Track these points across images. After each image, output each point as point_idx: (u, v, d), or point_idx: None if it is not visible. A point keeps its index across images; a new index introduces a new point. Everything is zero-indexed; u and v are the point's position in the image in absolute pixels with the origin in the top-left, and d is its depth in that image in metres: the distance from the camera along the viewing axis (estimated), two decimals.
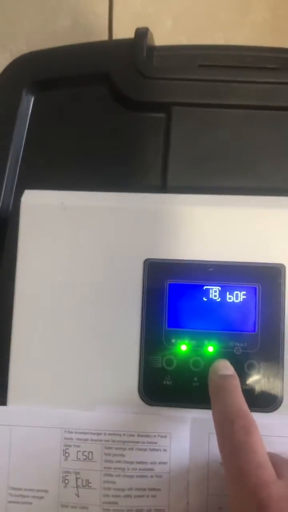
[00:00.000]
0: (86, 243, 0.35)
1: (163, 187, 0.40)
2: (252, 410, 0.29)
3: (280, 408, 0.33)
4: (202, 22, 0.86)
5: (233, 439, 0.27)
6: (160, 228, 0.35)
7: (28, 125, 0.43)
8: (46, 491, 0.33)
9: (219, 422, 0.29)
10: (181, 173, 0.40)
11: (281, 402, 0.33)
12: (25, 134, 0.42)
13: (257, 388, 0.33)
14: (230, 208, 0.35)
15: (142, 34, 0.43)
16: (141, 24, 0.88)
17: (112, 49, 0.44)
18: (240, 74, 0.42)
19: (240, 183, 0.40)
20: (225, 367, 0.31)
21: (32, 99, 0.43)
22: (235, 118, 0.41)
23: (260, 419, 0.32)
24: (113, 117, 0.42)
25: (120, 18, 0.87)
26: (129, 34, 0.90)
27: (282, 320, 0.33)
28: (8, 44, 0.87)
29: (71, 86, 0.43)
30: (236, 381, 0.30)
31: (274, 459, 0.28)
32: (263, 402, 0.33)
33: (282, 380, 0.33)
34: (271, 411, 0.33)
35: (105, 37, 0.89)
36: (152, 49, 0.46)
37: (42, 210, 0.36)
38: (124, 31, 0.84)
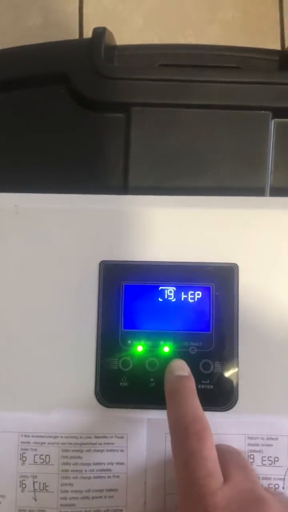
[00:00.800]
0: (41, 245, 0.35)
1: (124, 188, 0.40)
2: (207, 409, 0.29)
3: (235, 407, 0.33)
4: (173, 20, 0.86)
5: (185, 445, 0.27)
6: (116, 230, 0.35)
7: None
8: (3, 496, 0.33)
9: (173, 426, 0.29)
10: (142, 174, 0.40)
11: (236, 401, 0.33)
12: None
13: (212, 387, 0.34)
14: (184, 209, 0.35)
15: (99, 33, 0.42)
16: (112, 22, 0.88)
17: (70, 49, 0.43)
18: (201, 74, 0.42)
19: (200, 183, 0.40)
20: (181, 368, 0.32)
21: None
22: (195, 118, 0.41)
23: (215, 418, 0.32)
24: (73, 118, 0.42)
25: (90, 16, 0.87)
26: None
27: (235, 319, 0.34)
28: None
29: (31, 86, 0.43)
30: (192, 383, 0.30)
31: (223, 456, 0.28)
32: (219, 401, 0.33)
33: (237, 378, 0.34)
34: (227, 410, 0.33)
35: (75, 35, 0.89)
36: (113, 48, 0.46)
37: None
38: None
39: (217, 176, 0.40)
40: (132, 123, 0.41)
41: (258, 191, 0.40)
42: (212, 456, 0.27)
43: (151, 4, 0.84)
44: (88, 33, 0.85)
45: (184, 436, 0.27)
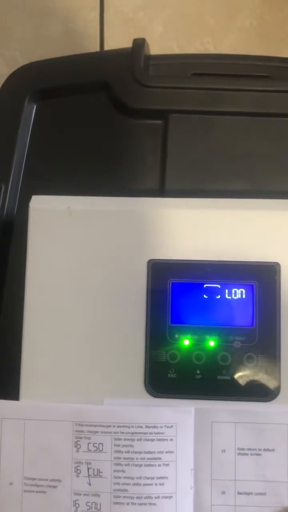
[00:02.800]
0: (92, 245, 0.37)
1: (161, 191, 0.42)
2: (251, 400, 0.31)
3: (278, 398, 0.35)
4: (191, 28, 0.88)
5: None
6: (162, 230, 0.37)
7: (31, 132, 0.44)
8: (59, 480, 0.35)
9: None
10: (178, 177, 0.42)
11: (279, 392, 0.35)
12: (28, 141, 0.44)
13: (256, 379, 0.35)
14: (227, 211, 0.37)
15: (139, 44, 0.45)
16: (132, 30, 0.90)
17: (111, 59, 0.46)
18: (232, 83, 0.44)
19: (235, 187, 0.42)
20: None
21: (35, 107, 0.44)
22: (229, 125, 0.43)
23: (259, 408, 0.34)
24: (112, 124, 0.44)
25: (111, 24, 0.89)
26: (120, 40, 0.92)
27: (278, 315, 0.36)
28: (0, 49, 0.88)
29: (72, 95, 0.45)
30: None
31: None
32: (262, 392, 0.35)
33: (279, 371, 0.35)
34: (269, 401, 0.35)
35: (96, 42, 0.91)
36: (148, 58, 0.48)
37: (50, 215, 0.37)
38: (115, 37, 0.86)
39: (251, 180, 0.42)
40: (169, 129, 0.43)
41: None
42: None
43: (170, 12, 0.86)
44: (108, 41, 0.87)
45: None
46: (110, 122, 0.44)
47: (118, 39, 0.87)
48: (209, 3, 0.87)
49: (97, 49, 0.87)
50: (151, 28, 0.86)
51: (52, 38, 0.92)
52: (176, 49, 0.91)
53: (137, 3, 0.87)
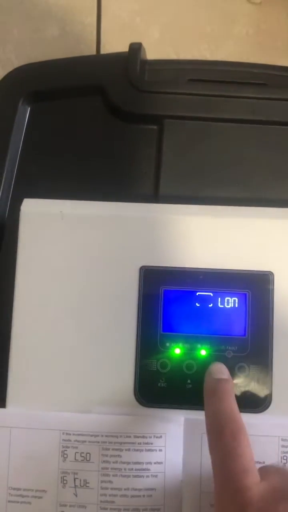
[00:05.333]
0: (83, 250, 0.36)
1: (155, 197, 0.42)
2: (242, 411, 0.31)
3: (269, 409, 0.35)
4: (188, 34, 0.88)
5: (222, 443, 0.28)
6: (155, 237, 0.36)
7: (24, 135, 0.44)
8: (44, 491, 0.34)
9: (210, 425, 0.30)
10: (172, 183, 0.42)
11: (270, 403, 0.35)
12: (21, 144, 0.43)
13: (247, 389, 0.35)
14: (222, 218, 0.37)
15: (135, 49, 0.44)
16: (129, 35, 0.90)
17: (106, 63, 0.45)
18: (228, 89, 0.43)
19: (229, 194, 0.41)
20: (221, 371, 0.33)
21: (28, 109, 0.44)
22: (225, 131, 0.43)
23: (250, 419, 0.34)
24: (107, 128, 0.44)
25: (108, 29, 0.89)
26: (117, 44, 0.92)
27: (270, 325, 0.35)
28: None
29: (67, 98, 0.44)
30: (230, 385, 0.32)
31: (266, 467, 0.29)
32: (253, 403, 0.35)
33: (271, 382, 0.35)
34: (261, 412, 0.35)
35: (93, 47, 0.91)
36: (144, 63, 0.47)
37: (41, 219, 0.37)
38: (112, 41, 0.86)
39: (245, 187, 0.42)
40: (165, 134, 0.43)
41: (285, 202, 0.41)
42: (247, 453, 0.28)
43: (167, 18, 0.86)
44: (105, 45, 0.87)
45: (221, 435, 0.29)
46: (105, 126, 0.44)
47: (114, 44, 0.86)
48: (206, 11, 0.87)
49: (94, 53, 0.87)
50: (148, 33, 0.86)
51: (48, 42, 0.91)
52: (173, 55, 0.91)
53: (134, 8, 0.87)
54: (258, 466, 0.33)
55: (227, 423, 0.29)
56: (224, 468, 0.28)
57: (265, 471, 0.29)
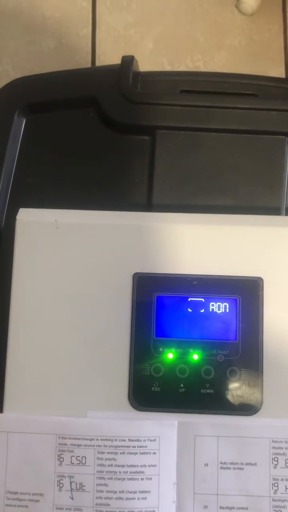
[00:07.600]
0: (78, 258, 0.37)
1: (148, 206, 0.42)
2: (234, 414, 0.32)
3: (260, 411, 0.35)
4: (182, 45, 0.89)
5: None
6: (148, 244, 0.37)
7: (20, 146, 0.45)
8: (41, 494, 0.34)
9: None
10: (165, 192, 0.43)
11: (261, 405, 0.36)
12: (17, 155, 0.44)
13: (239, 393, 0.36)
14: (213, 226, 0.38)
15: (128, 61, 0.45)
16: (123, 47, 0.91)
17: (99, 75, 0.46)
18: (220, 100, 0.45)
19: (221, 202, 0.42)
20: None
21: (24, 121, 0.45)
22: (216, 141, 0.44)
23: (241, 422, 0.34)
24: (101, 139, 0.45)
25: (103, 40, 0.90)
26: (112, 56, 0.93)
27: (260, 329, 0.36)
28: None
29: (61, 109, 0.45)
30: None
31: None
32: (245, 406, 0.36)
33: (262, 385, 0.36)
34: (252, 414, 0.35)
35: (88, 58, 0.92)
36: (137, 74, 0.49)
37: (37, 228, 0.38)
38: (106, 53, 0.87)
39: (235, 195, 0.43)
40: (157, 145, 0.44)
41: (274, 210, 0.42)
42: None
43: (161, 29, 0.88)
44: (100, 57, 0.88)
45: None
46: (98, 137, 0.45)
47: (109, 55, 0.88)
48: (199, 22, 0.88)
49: (89, 65, 0.88)
50: (142, 44, 0.87)
51: (44, 54, 0.93)
52: (166, 66, 0.92)
53: (129, 20, 0.88)
54: (249, 467, 0.34)
55: None
56: None
57: None
